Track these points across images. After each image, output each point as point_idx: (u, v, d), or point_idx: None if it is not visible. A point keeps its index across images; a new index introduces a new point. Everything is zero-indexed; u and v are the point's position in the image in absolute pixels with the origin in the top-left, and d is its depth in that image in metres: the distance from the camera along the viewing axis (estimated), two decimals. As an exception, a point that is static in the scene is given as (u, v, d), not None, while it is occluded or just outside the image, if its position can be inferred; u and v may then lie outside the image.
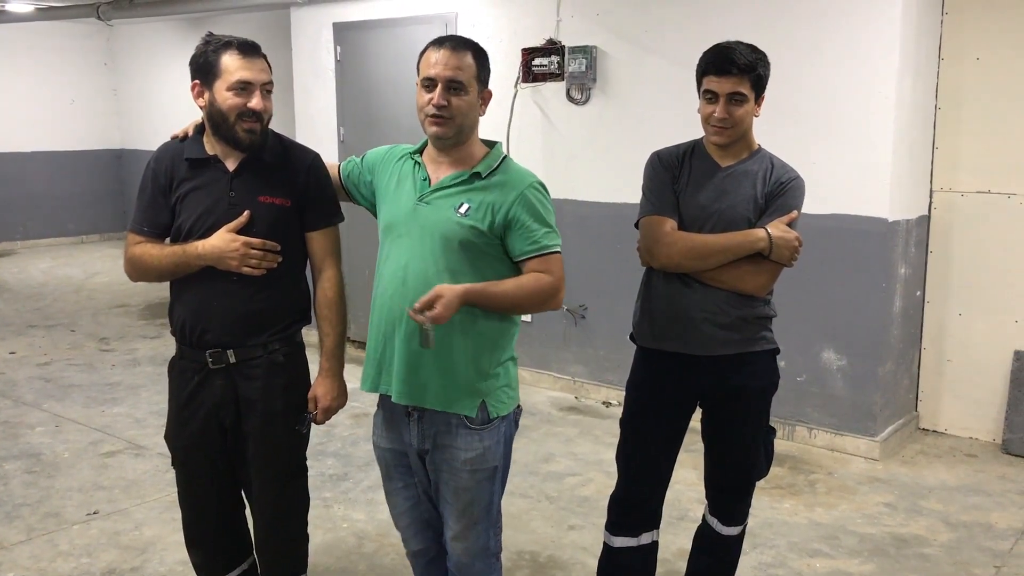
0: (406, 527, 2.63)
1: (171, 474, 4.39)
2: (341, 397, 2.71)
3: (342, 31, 6.68)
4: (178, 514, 3.92)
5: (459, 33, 5.92)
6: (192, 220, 2.59)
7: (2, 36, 10.75)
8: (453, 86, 2.33)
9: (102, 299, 8.60)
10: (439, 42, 2.38)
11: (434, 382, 2.38)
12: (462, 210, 2.35)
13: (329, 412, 2.70)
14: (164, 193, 2.62)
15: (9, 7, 9.18)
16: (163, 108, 11.49)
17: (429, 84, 2.35)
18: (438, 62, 2.33)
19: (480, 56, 2.40)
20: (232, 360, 2.62)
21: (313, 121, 6.95)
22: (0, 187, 11.19)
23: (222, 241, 2.53)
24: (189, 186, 2.60)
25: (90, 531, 3.87)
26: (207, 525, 2.84)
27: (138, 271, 2.68)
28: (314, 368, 2.73)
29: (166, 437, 2.83)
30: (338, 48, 6.72)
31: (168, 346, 6.82)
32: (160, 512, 4.03)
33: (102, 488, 4.30)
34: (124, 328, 7.49)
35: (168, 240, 2.65)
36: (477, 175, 2.39)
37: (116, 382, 5.97)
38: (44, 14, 9.41)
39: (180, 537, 3.74)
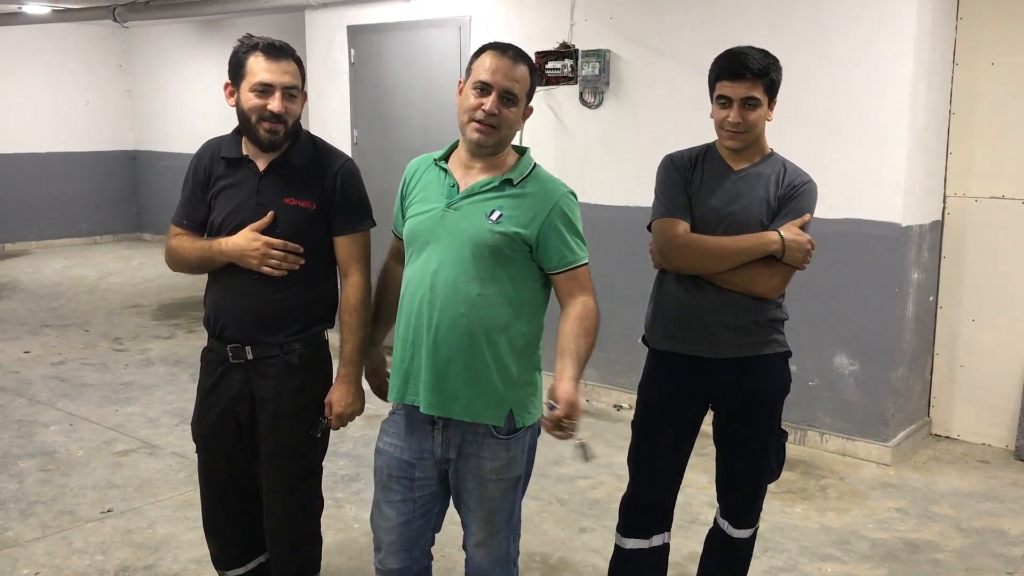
0: (391, 543, 2.49)
1: (184, 473, 4.46)
2: (356, 404, 2.70)
3: (356, 34, 6.71)
4: (191, 513, 3.98)
5: (472, 35, 5.95)
6: (222, 217, 2.65)
7: (18, 37, 10.84)
8: (507, 96, 2.30)
9: (115, 299, 8.65)
10: (502, 49, 2.33)
11: (463, 393, 2.35)
12: (494, 217, 2.32)
13: (343, 418, 2.69)
14: (203, 188, 2.70)
15: (26, 9, 9.25)
16: (177, 109, 11.56)
17: (483, 88, 2.30)
18: (498, 70, 2.29)
19: (533, 72, 2.38)
20: (250, 356, 2.66)
21: (326, 123, 6.97)
22: (15, 187, 11.28)
23: (244, 240, 2.57)
24: (223, 183, 2.66)
25: (104, 529, 3.90)
26: (223, 516, 2.86)
27: (174, 261, 2.76)
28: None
29: (191, 424, 2.87)
30: (352, 51, 6.75)
31: (180, 346, 6.89)
32: (173, 511, 4.06)
33: (116, 486, 4.33)
34: (137, 328, 7.53)
35: (205, 234, 2.72)
36: (509, 182, 2.35)
37: (130, 382, 6.01)
38: (60, 16, 9.48)
39: (193, 536, 3.79)
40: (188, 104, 11.35)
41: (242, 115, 2.58)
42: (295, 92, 2.57)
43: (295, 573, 2.82)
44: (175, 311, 8.17)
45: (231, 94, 2.60)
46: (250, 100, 2.53)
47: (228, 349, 2.67)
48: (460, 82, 2.39)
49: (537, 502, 4.17)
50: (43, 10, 9.35)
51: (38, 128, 11.39)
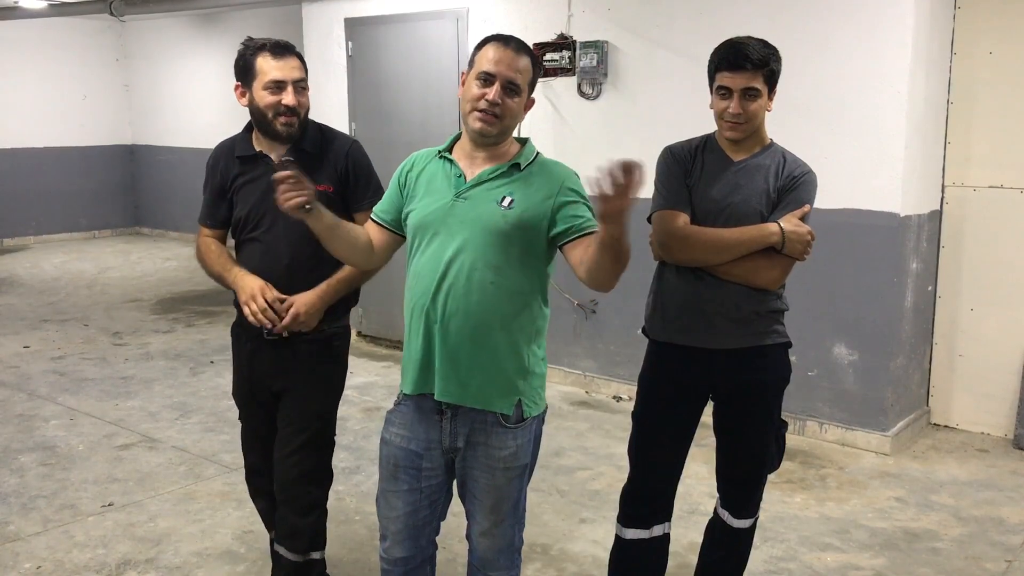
0: (396, 532, 2.50)
1: (184, 467, 4.48)
2: (313, 320, 2.77)
3: (353, 26, 6.70)
4: (192, 506, 4.02)
5: (470, 28, 5.94)
6: (246, 211, 2.83)
7: (15, 32, 10.80)
8: (510, 87, 2.33)
9: (114, 294, 8.65)
10: (504, 40, 2.36)
11: (476, 380, 2.36)
12: (505, 203, 2.33)
13: (296, 319, 2.74)
14: (222, 190, 2.88)
15: (23, 3, 9.22)
16: (175, 103, 11.53)
17: (487, 79, 2.32)
18: (501, 60, 2.32)
19: (535, 63, 2.41)
20: (284, 335, 2.81)
21: (325, 116, 6.88)
22: (13, 182, 11.26)
23: (246, 293, 2.73)
24: (242, 180, 2.85)
25: (105, 523, 3.91)
26: (263, 478, 3.04)
27: (200, 260, 2.96)
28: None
29: (232, 392, 3.10)
30: (349, 43, 6.73)
31: (180, 340, 6.89)
32: (174, 504, 4.07)
33: (117, 480, 4.34)
34: (137, 322, 7.53)
35: (229, 230, 2.94)
36: (516, 167, 2.38)
37: (129, 376, 6.01)
38: (57, 10, 9.46)
39: (194, 529, 3.81)
40: (186, 98, 11.33)
41: (257, 112, 2.75)
42: (304, 85, 2.76)
43: (307, 543, 2.93)
44: (174, 305, 8.17)
45: (243, 94, 2.77)
46: (264, 98, 2.70)
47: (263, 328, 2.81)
48: (463, 74, 2.41)
49: (537, 493, 4.18)
50: (40, 4, 9.33)
51: (36, 123, 11.37)
